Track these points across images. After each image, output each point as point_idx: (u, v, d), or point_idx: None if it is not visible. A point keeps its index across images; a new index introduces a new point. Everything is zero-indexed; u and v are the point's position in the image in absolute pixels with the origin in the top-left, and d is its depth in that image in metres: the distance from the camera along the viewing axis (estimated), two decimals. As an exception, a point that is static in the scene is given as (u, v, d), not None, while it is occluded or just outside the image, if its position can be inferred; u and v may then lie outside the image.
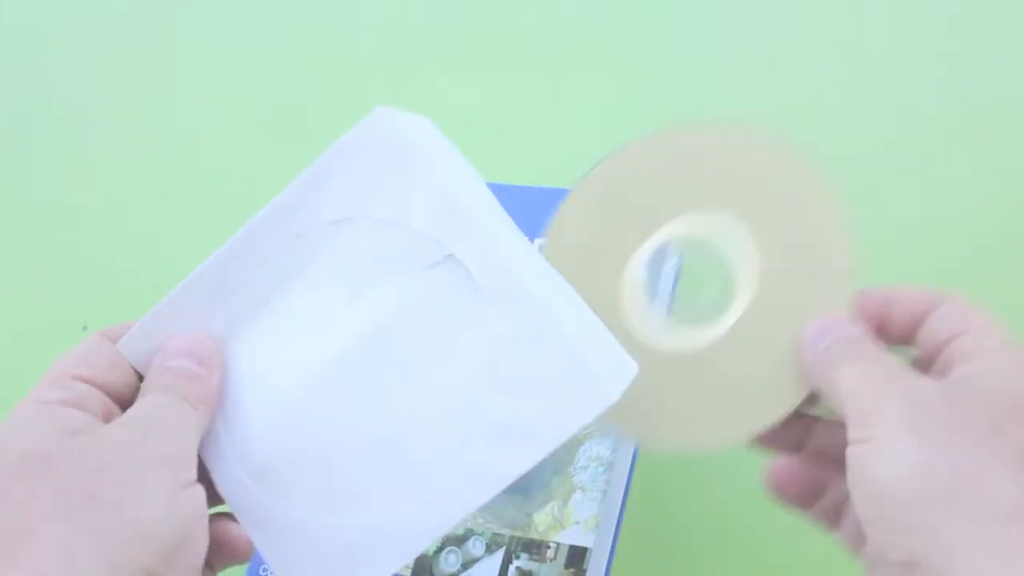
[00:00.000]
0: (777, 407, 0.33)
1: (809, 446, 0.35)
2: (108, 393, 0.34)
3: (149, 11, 0.66)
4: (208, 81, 0.64)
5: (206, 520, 0.33)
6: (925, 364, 0.33)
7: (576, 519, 0.47)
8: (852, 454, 0.30)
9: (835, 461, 0.32)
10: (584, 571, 0.46)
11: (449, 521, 0.32)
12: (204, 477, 0.35)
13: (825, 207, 0.33)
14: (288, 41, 0.66)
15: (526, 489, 0.49)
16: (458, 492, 0.32)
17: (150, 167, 0.61)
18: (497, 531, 0.47)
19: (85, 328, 0.57)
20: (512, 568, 0.47)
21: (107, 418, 0.33)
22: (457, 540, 0.47)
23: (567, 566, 0.46)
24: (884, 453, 0.29)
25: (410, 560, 0.44)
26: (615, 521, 0.46)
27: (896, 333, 0.34)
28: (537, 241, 0.37)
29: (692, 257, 0.34)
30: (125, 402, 0.35)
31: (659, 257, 0.34)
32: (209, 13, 0.66)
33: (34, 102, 0.64)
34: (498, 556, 0.47)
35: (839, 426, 0.31)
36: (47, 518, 0.30)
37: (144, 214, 0.60)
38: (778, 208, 0.33)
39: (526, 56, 0.65)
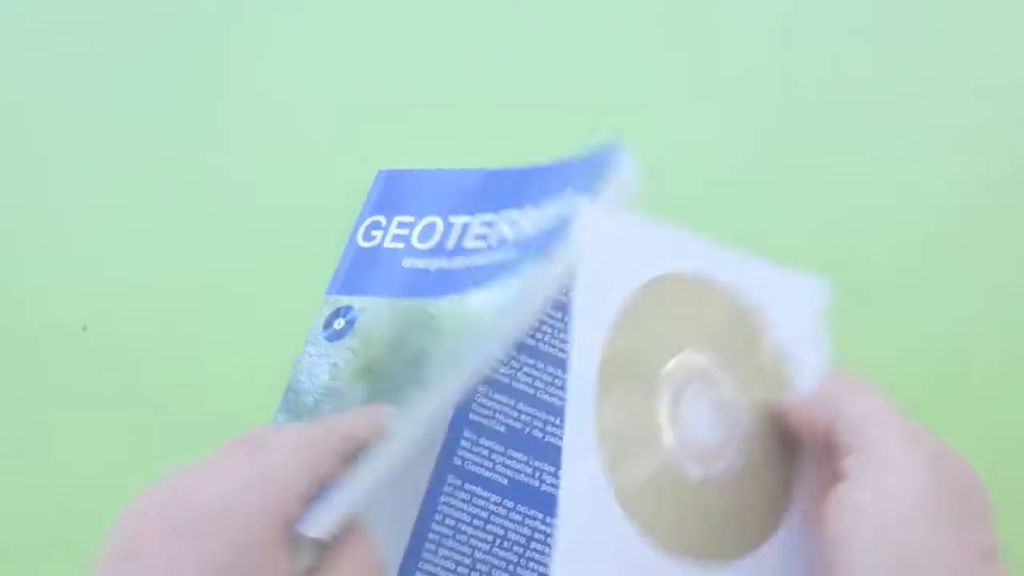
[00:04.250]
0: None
1: None
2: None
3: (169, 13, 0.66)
4: (210, 86, 0.64)
5: None
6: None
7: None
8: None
9: None
10: None
11: None
12: None
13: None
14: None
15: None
16: None
17: (150, 166, 0.61)
18: None
19: (85, 328, 0.58)
20: None
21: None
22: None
23: None
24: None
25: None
26: None
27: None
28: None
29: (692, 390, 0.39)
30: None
31: (679, 389, 0.39)
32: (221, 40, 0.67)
33: (33, 100, 0.64)
34: None
35: None
36: None
37: (144, 214, 0.60)
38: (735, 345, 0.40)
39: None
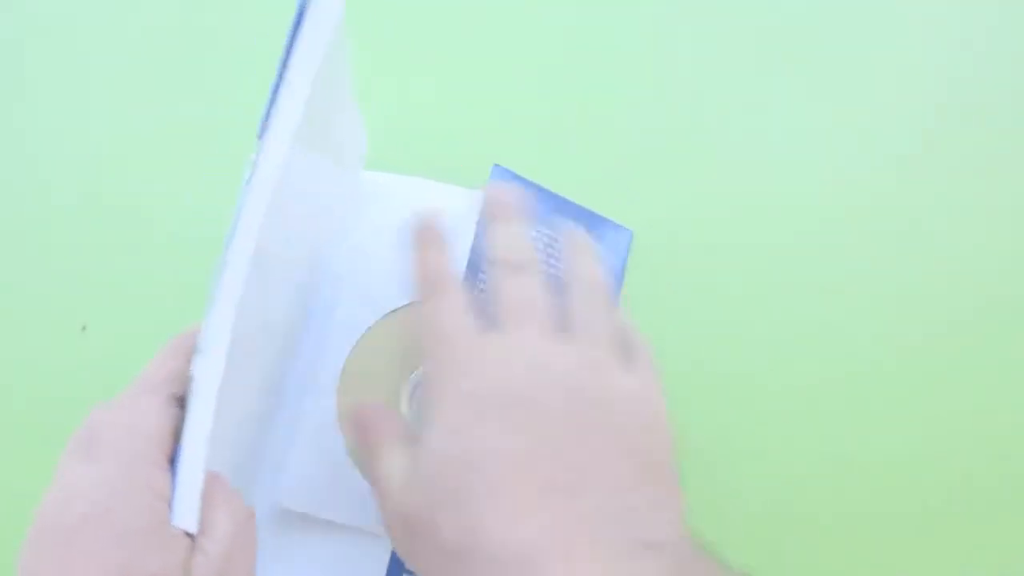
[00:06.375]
0: None
1: None
2: None
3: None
4: (211, 78, 0.64)
5: None
6: None
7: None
8: None
9: None
10: None
11: None
12: None
13: None
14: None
15: None
16: None
17: (149, 163, 0.61)
18: None
19: (84, 328, 0.57)
20: None
21: None
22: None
23: None
24: None
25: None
26: None
27: None
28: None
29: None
30: None
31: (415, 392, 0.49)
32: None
33: (33, 99, 0.63)
34: None
35: None
36: None
37: (144, 213, 0.60)
38: None
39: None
